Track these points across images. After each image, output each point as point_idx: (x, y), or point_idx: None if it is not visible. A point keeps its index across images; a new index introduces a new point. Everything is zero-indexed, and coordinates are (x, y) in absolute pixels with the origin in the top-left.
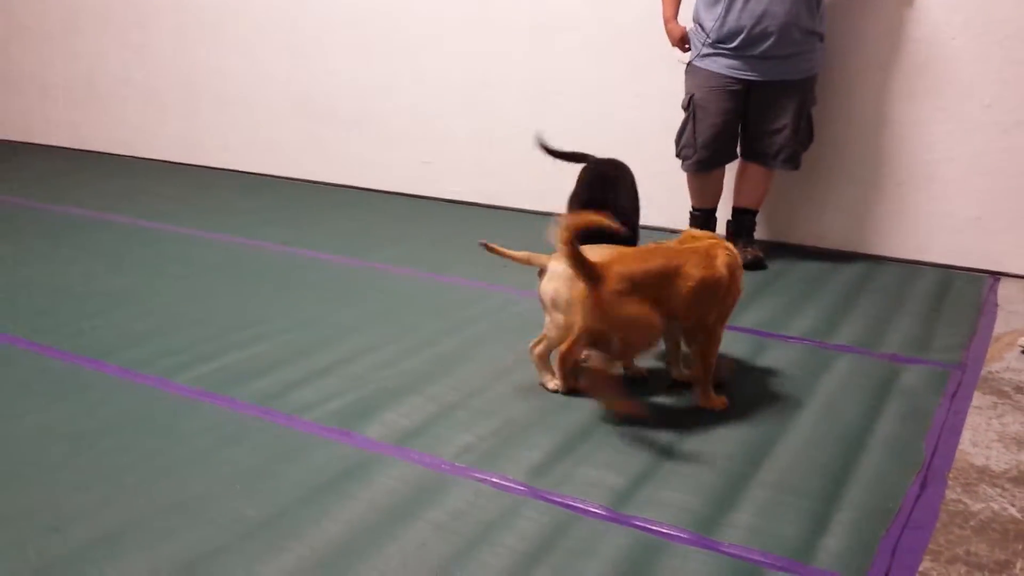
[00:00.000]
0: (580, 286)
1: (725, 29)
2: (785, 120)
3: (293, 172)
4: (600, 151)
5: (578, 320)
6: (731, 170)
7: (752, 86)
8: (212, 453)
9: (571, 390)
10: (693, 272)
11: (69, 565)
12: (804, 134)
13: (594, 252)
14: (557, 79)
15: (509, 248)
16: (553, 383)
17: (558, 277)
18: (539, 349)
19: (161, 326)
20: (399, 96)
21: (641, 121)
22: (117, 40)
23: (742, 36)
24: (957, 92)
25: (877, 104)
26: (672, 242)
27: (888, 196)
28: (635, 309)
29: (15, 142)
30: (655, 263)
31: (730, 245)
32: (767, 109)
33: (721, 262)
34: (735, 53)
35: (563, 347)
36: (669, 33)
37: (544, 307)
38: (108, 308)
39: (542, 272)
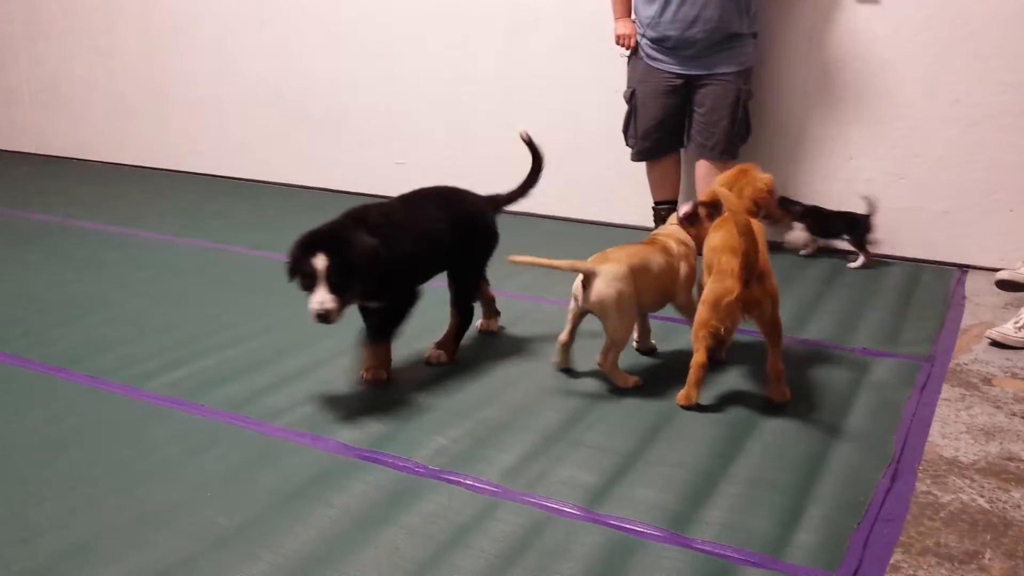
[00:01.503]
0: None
1: (659, 29)
2: (721, 112)
3: (264, 175)
4: (573, 148)
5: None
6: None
7: (691, 80)
8: (182, 461)
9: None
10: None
11: None
12: (741, 126)
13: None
14: (530, 77)
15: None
16: (633, 381)
17: (619, 278)
18: (611, 357)
19: (130, 333)
20: (372, 95)
21: (614, 118)
22: (83, 44)
23: (674, 38)
24: (923, 88)
25: (843, 100)
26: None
27: (857, 192)
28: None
29: None
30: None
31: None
32: (704, 101)
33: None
34: (669, 52)
35: (707, 320)
36: (614, 31)
37: (601, 312)
38: (76, 315)
39: (589, 278)
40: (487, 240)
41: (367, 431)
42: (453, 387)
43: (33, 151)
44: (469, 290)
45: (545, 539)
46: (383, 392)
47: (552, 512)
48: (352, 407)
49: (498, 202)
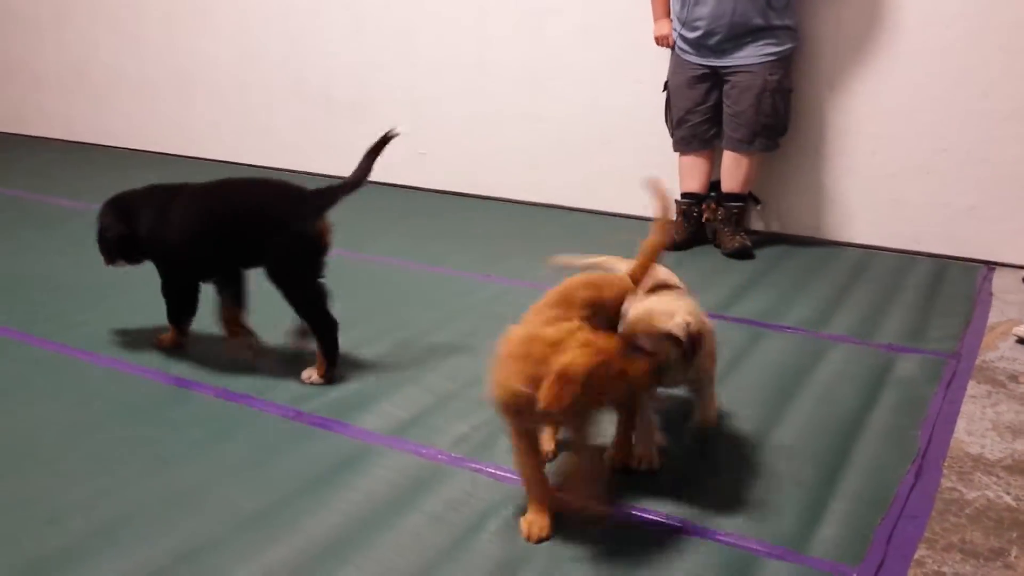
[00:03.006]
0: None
1: (686, 22)
2: (745, 103)
3: (286, 163)
4: (597, 139)
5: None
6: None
7: (717, 71)
8: (207, 444)
9: None
10: None
11: (67, 557)
12: (772, 118)
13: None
14: (554, 66)
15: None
16: None
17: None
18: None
19: (153, 318)
20: (394, 82)
21: (639, 109)
22: (108, 29)
23: (700, 30)
24: (952, 82)
25: (870, 94)
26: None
27: (882, 186)
28: None
29: (9, 134)
30: None
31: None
32: (731, 92)
33: None
34: (696, 44)
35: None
36: (653, 32)
37: None
38: (100, 300)
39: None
40: (288, 243)
41: (389, 419)
42: (472, 377)
43: (59, 137)
44: (294, 299)
45: (567, 528)
46: (405, 380)
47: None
48: (374, 395)
49: (314, 202)
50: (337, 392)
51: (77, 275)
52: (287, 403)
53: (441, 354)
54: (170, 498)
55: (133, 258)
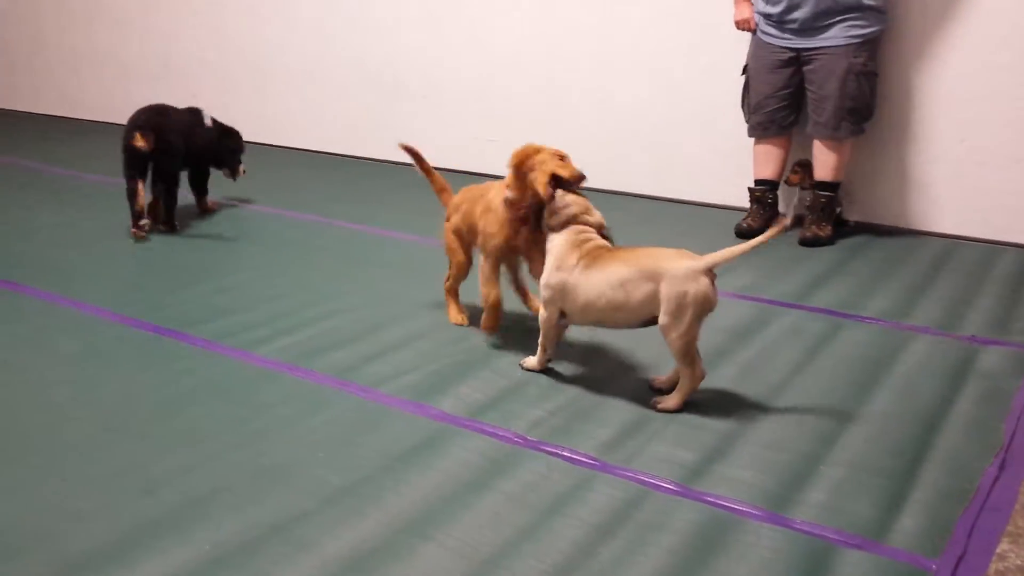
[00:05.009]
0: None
1: (767, 3)
2: (830, 88)
3: (360, 151)
4: (669, 126)
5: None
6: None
7: (801, 55)
8: (294, 422)
9: None
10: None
11: (162, 526)
12: (858, 102)
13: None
14: (626, 51)
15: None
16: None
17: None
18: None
19: (240, 300)
20: (467, 70)
21: (712, 94)
22: (191, 20)
23: (783, 4)
24: None
25: (958, 78)
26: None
27: (968, 175)
28: None
29: (97, 122)
30: None
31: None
32: (814, 76)
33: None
34: (778, 23)
35: None
36: (734, 17)
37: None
38: (189, 283)
39: None
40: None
41: (467, 401)
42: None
43: None
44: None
45: (643, 512)
46: (481, 364)
47: (649, 487)
48: (451, 377)
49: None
50: (414, 375)
51: (165, 258)
52: (367, 385)
53: (516, 339)
54: (259, 472)
55: None
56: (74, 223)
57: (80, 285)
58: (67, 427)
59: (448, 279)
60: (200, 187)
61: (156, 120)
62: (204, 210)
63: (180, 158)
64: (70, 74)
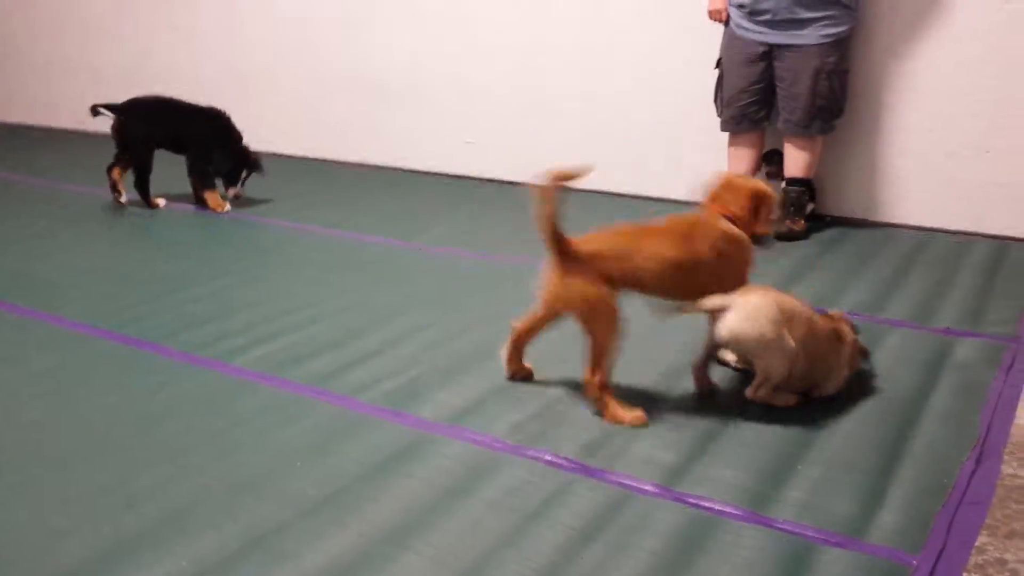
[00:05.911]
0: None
1: None
2: (801, 85)
3: (338, 155)
4: (649, 121)
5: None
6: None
7: (774, 50)
8: (272, 433)
9: None
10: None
11: (144, 540)
12: (829, 100)
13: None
14: (607, 49)
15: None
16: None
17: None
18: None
19: (217, 309)
20: (446, 70)
21: (692, 90)
22: (164, 24)
23: (750, 3)
24: (1011, 58)
25: (927, 73)
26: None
27: (939, 167)
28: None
29: (70, 130)
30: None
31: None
32: (784, 73)
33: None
34: (750, 14)
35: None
36: (707, 7)
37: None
38: (165, 292)
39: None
40: None
41: (446, 407)
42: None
43: None
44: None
45: (625, 515)
46: (459, 369)
47: (631, 489)
48: (429, 384)
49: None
50: (393, 382)
51: (140, 269)
52: (345, 393)
53: (494, 343)
54: (237, 485)
55: None
56: (48, 235)
57: (55, 298)
58: (43, 443)
59: (597, 366)
60: (229, 179)
61: (127, 105)
62: (235, 196)
63: (144, 143)
64: (41, 81)
